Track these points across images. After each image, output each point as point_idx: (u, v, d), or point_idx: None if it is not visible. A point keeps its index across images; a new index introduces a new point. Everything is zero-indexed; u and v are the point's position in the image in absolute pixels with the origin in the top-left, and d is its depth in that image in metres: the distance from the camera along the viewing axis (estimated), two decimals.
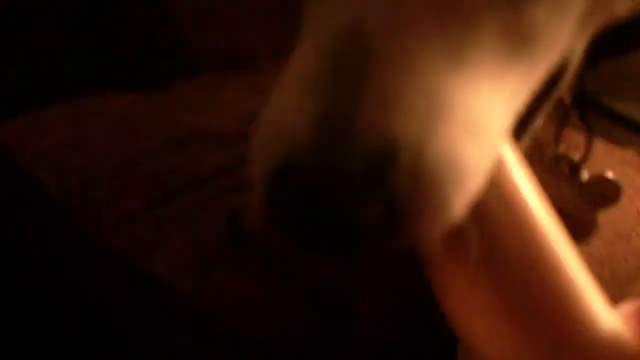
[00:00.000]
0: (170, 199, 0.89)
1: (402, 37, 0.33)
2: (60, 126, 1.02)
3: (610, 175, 0.59)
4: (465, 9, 0.35)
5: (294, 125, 0.33)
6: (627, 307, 0.47)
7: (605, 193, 0.59)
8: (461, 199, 0.34)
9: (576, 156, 0.58)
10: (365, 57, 0.32)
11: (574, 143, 0.59)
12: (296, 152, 0.32)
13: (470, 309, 0.41)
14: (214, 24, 1.09)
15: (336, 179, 0.32)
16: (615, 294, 0.45)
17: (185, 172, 0.92)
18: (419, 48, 0.33)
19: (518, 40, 0.37)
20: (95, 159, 0.95)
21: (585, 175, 0.58)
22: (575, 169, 0.58)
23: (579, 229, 0.57)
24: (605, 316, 0.41)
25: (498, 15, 0.36)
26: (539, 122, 0.47)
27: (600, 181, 0.59)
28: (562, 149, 0.59)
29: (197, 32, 1.06)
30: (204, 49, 1.16)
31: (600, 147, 0.58)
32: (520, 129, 0.44)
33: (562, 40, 0.41)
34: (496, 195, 0.38)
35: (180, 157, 0.94)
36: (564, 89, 0.47)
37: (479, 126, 0.34)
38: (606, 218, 0.59)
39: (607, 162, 0.59)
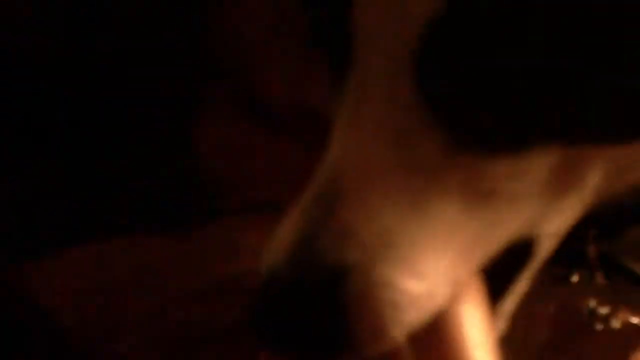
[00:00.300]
0: (192, 351, 0.89)
1: (369, 183, 0.42)
2: (85, 269, 1.03)
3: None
4: (429, 164, 0.42)
5: (279, 246, 0.43)
6: None
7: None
8: (398, 323, 0.42)
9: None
10: (337, 196, 0.42)
11: None
12: (274, 269, 0.42)
13: None
14: (241, 170, 1.10)
15: (297, 294, 0.41)
16: None
17: (207, 325, 0.92)
18: (381, 193, 0.42)
19: (477, 195, 0.43)
20: (120, 308, 0.95)
21: (616, 323, 0.59)
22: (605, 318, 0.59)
23: None
24: None
25: (459, 170, 0.43)
26: (513, 298, 0.51)
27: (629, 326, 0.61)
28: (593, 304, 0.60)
29: (225, 175, 1.07)
30: (230, 192, 1.18)
31: None
32: (496, 302, 0.49)
33: (525, 204, 0.45)
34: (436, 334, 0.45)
35: (204, 309, 0.94)
36: (537, 263, 0.50)
37: (424, 269, 0.42)
38: None
39: None
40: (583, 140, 0.45)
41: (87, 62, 1.24)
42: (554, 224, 0.48)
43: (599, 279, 0.58)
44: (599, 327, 0.59)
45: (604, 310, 0.58)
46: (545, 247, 0.50)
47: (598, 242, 0.56)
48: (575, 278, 0.56)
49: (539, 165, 0.44)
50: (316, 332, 0.42)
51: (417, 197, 0.42)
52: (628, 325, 0.59)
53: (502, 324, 0.51)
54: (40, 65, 1.22)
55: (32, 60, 1.23)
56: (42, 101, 1.24)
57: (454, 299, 0.45)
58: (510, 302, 0.51)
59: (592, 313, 0.59)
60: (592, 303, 0.59)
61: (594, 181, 0.47)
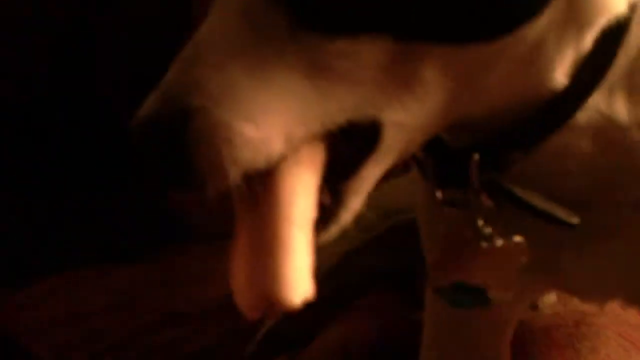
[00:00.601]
0: None
1: (222, 49, 0.51)
2: (58, 299, 1.03)
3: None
4: (276, 39, 0.51)
5: (150, 99, 0.50)
6: None
7: None
8: (233, 161, 0.49)
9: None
10: (194, 57, 0.51)
11: None
12: (142, 116, 0.50)
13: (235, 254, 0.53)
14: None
15: (153, 134, 0.49)
16: None
17: (182, 348, 0.93)
18: (231, 57, 0.50)
19: (316, 68, 0.51)
20: (94, 336, 0.95)
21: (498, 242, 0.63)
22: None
23: None
24: (303, 281, 0.52)
25: (302, 45, 0.51)
26: (360, 188, 0.56)
27: None
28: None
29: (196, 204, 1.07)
30: (201, 218, 1.18)
31: None
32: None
33: (359, 85, 0.53)
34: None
35: (179, 332, 0.94)
36: (384, 154, 0.56)
37: (261, 119, 0.50)
38: None
39: None
40: (406, 34, 0.52)
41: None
42: (397, 115, 0.54)
43: (485, 201, 0.61)
44: (484, 245, 0.62)
45: (488, 230, 0.61)
46: (392, 139, 0.55)
47: (482, 167, 0.59)
48: (463, 199, 0.61)
49: (371, 50, 0.52)
50: (166, 166, 0.50)
51: (263, 63, 0.51)
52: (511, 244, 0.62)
53: (349, 212, 0.56)
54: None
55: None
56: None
57: (291, 160, 0.52)
58: (357, 191, 0.56)
59: (478, 232, 0.62)
60: (479, 223, 0.62)
61: (436, 83, 0.54)
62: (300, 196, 0.53)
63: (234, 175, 0.49)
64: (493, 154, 0.60)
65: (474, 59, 0.54)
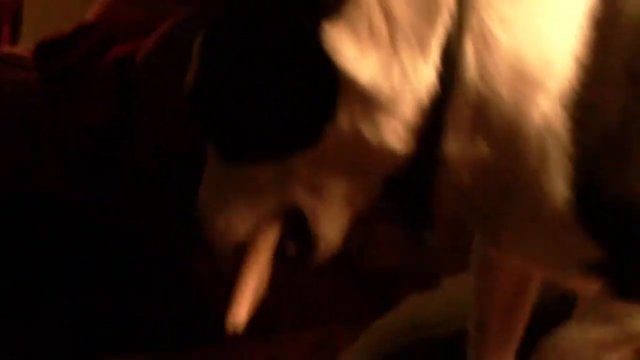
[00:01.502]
0: None
1: (206, 184, 0.85)
2: None
3: None
4: (219, 172, 0.83)
5: None
6: None
7: None
8: (213, 241, 0.83)
9: None
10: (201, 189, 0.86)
11: None
12: None
13: None
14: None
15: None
16: None
17: None
18: (210, 189, 0.84)
19: (246, 182, 0.81)
20: None
21: None
22: None
23: None
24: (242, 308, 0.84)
25: (232, 174, 0.82)
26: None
27: None
28: None
29: (220, 296, 1.12)
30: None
31: None
32: None
33: (272, 194, 0.82)
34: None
35: None
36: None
37: (231, 219, 0.83)
38: None
39: None
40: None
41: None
42: (313, 204, 0.81)
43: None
44: None
45: None
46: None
47: None
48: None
49: (261, 170, 0.80)
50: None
51: (222, 188, 0.82)
52: None
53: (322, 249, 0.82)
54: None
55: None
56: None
57: (254, 236, 0.82)
58: (322, 236, 0.82)
59: None
60: None
61: (322, 181, 0.80)
62: (260, 255, 0.83)
63: (219, 249, 0.82)
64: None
65: (321, 159, 0.78)
